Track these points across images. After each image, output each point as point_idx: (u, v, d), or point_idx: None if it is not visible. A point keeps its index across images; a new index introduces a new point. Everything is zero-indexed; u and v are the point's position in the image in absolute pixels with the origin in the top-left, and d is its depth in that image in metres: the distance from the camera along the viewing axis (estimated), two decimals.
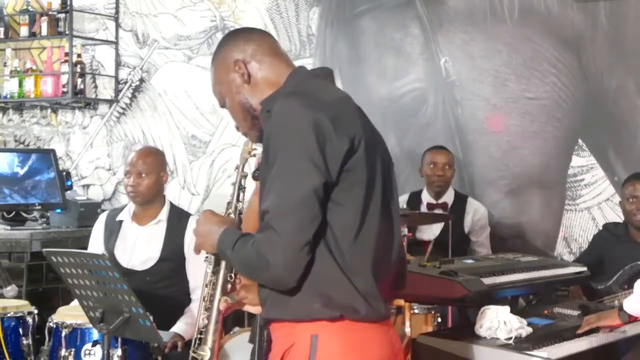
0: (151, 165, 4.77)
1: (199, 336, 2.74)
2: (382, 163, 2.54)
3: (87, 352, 4.23)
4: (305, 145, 2.36)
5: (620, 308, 3.79)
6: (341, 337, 2.42)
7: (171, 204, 4.93)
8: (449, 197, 5.87)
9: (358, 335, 2.44)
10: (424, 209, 5.84)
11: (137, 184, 4.73)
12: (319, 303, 2.40)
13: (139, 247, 4.77)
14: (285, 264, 2.34)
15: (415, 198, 5.93)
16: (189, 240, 4.63)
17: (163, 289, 4.62)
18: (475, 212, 5.85)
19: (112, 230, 4.83)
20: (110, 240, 4.80)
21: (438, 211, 5.81)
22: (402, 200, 5.93)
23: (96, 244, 4.86)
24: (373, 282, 2.44)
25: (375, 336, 2.48)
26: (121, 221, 4.86)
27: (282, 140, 2.40)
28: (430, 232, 5.85)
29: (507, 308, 3.80)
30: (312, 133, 2.36)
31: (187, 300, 4.70)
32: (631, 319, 3.78)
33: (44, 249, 4.14)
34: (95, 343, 4.18)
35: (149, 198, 4.78)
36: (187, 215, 4.89)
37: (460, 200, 5.87)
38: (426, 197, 5.90)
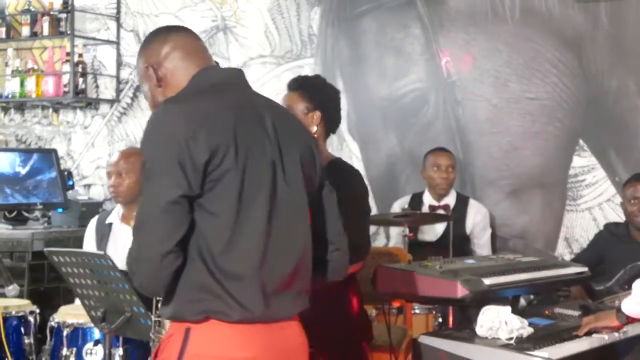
0: (132, 165, 4.76)
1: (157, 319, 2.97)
2: (274, 166, 2.59)
3: (89, 351, 4.25)
4: (164, 158, 2.44)
5: (619, 309, 3.79)
6: (213, 332, 2.50)
7: None
8: (450, 199, 5.88)
9: (230, 334, 2.50)
10: (425, 210, 5.85)
11: (117, 184, 4.76)
12: (188, 308, 2.49)
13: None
14: (145, 273, 2.47)
15: (417, 200, 5.94)
16: None
17: None
18: (477, 214, 5.86)
19: (103, 234, 4.84)
20: (102, 244, 4.80)
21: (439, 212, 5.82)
22: (404, 201, 5.94)
23: (89, 248, 4.86)
24: (254, 286, 2.50)
25: (250, 337, 2.53)
26: (111, 224, 4.87)
27: (146, 151, 2.51)
28: (432, 233, 5.86)
29: (508, 308, 3.80)
30: (172, 145, 2.43)
31: None
32: (629, 320, 3.78)
33: (45, 249, 4.15)
34: (96, 342, 4.20)
35: (131, 198, 4.78)
36: None
37: (462, 202, 5.88)
38: (428, 199, 5.90)
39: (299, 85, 3.84)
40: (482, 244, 5.86)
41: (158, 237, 2.42)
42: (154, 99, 2.75)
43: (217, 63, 2.85)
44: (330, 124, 3.81)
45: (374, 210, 6.39)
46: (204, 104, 2.54)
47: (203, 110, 2.51)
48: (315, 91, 3.81)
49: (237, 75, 2.75)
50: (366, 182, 6.35)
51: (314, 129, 3.72)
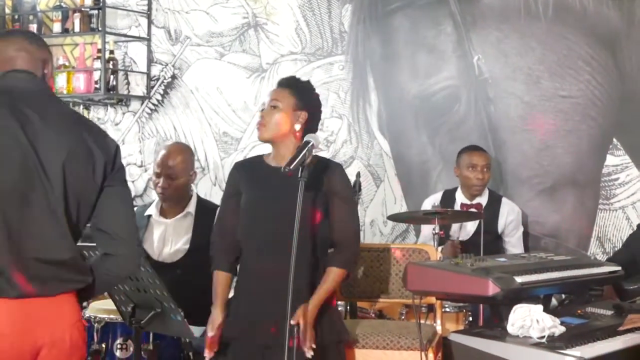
0: (181, 167, 4.81)
1: None
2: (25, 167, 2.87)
3: (119, 346, 4.25)
4: None
5: None
6: None
7: (198, 196, 4.96)
8: (483, 198, 5.83)
9: None
10: (457, 208, 5.80)
11: (167, 186, 4.78)
12: None
13: (168, 240, 4.80)
14: None
15: (449, 196, 5.90)
16: None
17: (194, 281, 4.62)
18: (510, 213, 5.81)
19: (141, 225, 4.85)
20: (139, 235, 4.81)
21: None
22: (436, 198, 5.91)
23: None
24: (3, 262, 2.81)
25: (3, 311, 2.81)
26: (149, 216, 4.89)
27: None
28: (464, 232, 5.83)
29: (540, 307, 3.77)
30: None
31: None
32: None
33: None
34: (127, 338, 4.20)
35: (178, 198, 4.82)
36: (214, 206, 4.90)
37: (495, 201, 5.83)
38: (460, 197, 5.86)
39: (292, 84, 3.96)
40: (514, 243, 5.82)
41: None
42: None
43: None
44: (310, 128, 3.89)
45: (403, 208, 6.37)
46: None
47: None
48: (307, 94, 3.96)
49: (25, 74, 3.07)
50: (396, 179, 6.41)
51: (298, 127, 3.84)
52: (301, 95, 3.88)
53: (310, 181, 3.61)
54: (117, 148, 3.11)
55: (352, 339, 4.36)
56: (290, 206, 3.49)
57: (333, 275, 3.83)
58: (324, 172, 3.84)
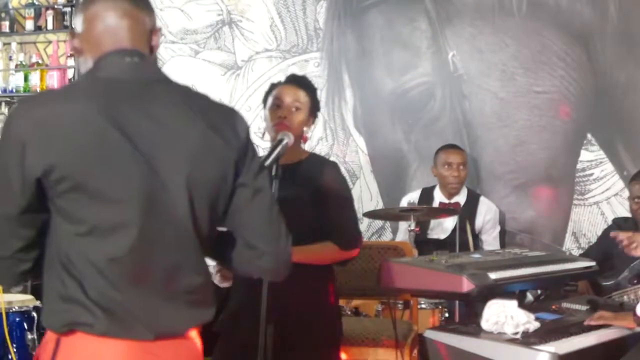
0: None
1: None
2: (145, 170, 2.24)
3: None
4: (3, 167, 2.22)
5: (634, 313, 3.78)
6: (80, 344, 2.24)
7: None
8: (461, 197, 5.84)
9: (94, 349, 2.24)
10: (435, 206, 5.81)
11: None
12: (51, 316, 2.29)
13: None
14: None
15: (427, 195, 5.90)
16: None
17: None
18: (487, 212, 5.82)
19: None
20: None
21: None
22: (414, 197, 5.90)
23: None
24: (119, 297, 2.23)
25: (118, 355, 2.24)
26: None
27: None
28: (441, 230, 5.83)
29: (514, 302, 3.78)
30: (10, 152, 2.21)
31: None
32: None
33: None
34: None
35: None
36: None
37: (473, 200, 5.84)
38: (439, 196, 5.87)
39: (308, 86, 3.81)
40: (490, 241, 5.83)
41: None
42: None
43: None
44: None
45: (379, 205, 6.37)
46: (59, 107, 2.23)
47: (53, 114, 2.21)
48: (317, 98, 3.82)
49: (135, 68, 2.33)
50: (372, 176, 6.40)
51: (307, 130, 3.73)
52: (314, 100, 3.79)
53: (305, 178, 3.56)
54: (248, 131, 2.44)
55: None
56: (282, 204, 3.40)
57: (326, 245, 3.61)
58: (320, 169, 3.73)
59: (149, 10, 2.40)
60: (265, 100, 3.81)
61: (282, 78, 3.92)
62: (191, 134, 2.31)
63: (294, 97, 3.69)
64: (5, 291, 3.99)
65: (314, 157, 3.81)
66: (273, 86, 3.81)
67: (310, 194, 3.67)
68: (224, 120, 2.40)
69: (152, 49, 2.41)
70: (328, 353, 3.69)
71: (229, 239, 2.44)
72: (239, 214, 2.41)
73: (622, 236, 4.03)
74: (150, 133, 2.25)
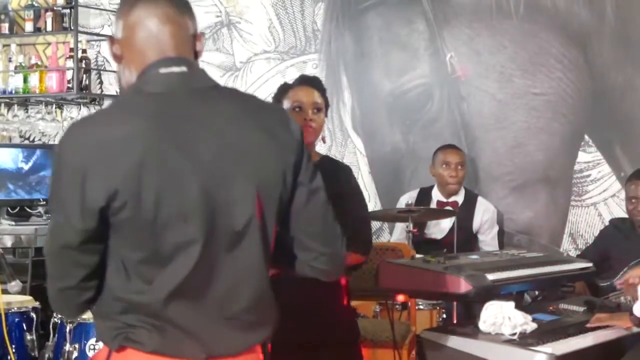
0: None
1: None
2: (205, 194, 2.16)
3: (92, 347, 4.24)
4: (64, 196, 2.15)
5: (631, 312, 3.80)
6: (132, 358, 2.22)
7: None
8: (459, 197, 5.85)
9: None
10: (433, 207, 5.82)
11: None
12: (104, 332, 2.26)
13: None
14: (51, 300, 2.29)
15: (425, 194, 5.91)
16: None
17: None
18: (485, 212, 5.83)
19: None
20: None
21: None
22: (411, 196, 5.92)
23: None
24: (173, 316, 2.18)
25: None
26: None
27: (50, 178, 2.23)
28: (439, 230, 5.84)
29: (511, 303, 3.79)
30: (68, 179, 2.13)
31: None
32: None
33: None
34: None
35: None
36: None
37: (471, 200, 5.85)
38: (437, 195, 5.88)
39: (322, 88, 3.79)
40: (488, 242, 5.84)
41: (55, 274, 2.24)
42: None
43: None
44: None
45: (377, 206, 6.38)
46: (114, 129, 2.14)
47: (108, 138, 2.13)
48: (327, 97, 3.79)
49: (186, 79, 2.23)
50: (370, 177, 6.41)
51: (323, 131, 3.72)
52: (327, 100, 3.75)
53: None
54: (300, 131, 2.34)
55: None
56: None
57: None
58: (335, 172, 3.66)
59: (191, 14, 2.31)
60: (278, 102, 3.76)
61: (280, 79, 3.90)
62: (250, 141, 2.21)
63: (313, 99, 3.65)
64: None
65: (327, 160, 3.79)
66: (286, 87, 3.76)
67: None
68: (277, 121, 2.30)
69: (197, 55, 2.31)
70: (355, 349, 3.67)
71: (283, 240, 2.36)
72: (295, 215, 2.33)
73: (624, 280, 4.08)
74: (209, 146, 2.16)
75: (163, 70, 2.20)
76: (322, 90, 3.75)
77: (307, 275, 2.45)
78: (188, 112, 2.17)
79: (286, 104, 3.66)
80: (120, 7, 2.31)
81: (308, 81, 3.78)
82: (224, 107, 2.23)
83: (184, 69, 2.21)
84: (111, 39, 2.32)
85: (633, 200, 5.13)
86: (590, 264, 4.58)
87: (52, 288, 2.26)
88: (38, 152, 6.43)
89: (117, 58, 2.32)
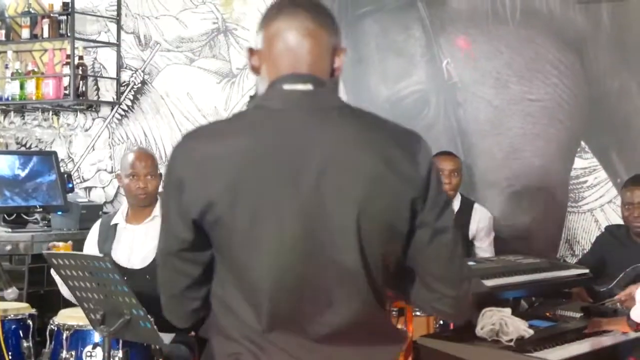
0: (154, 167, 4.85)
1: None
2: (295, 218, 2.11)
3: (89, 354, 4.24)
4: (167, 203, 2.22)
5: (628, 317, 3.80)
6: None
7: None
8: (455, 203, 5.83)
9: None
10: None
11: (146, 186, 4.78)
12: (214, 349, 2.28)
13: (137, 245, 4.79)
14: (163, 306, 2.34)
15: None
16: None
17: None
18: (482, 219, 5.82)
19: (107, 235, 4.85)
20: (106, 244, 4.81)
21: None
22: None
23: (90, 251, 4.86)
24: (268, 335, 2.17)
25: None
26: (116, 224, 4.88)
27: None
28: None
29: (508, 310, 3.80)
30: (171, 189, 2.19)
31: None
32: (638, 327, 3.80)
33: (44, 251, 4.13)
34: (95, 345, 4.18)
35: (153, 199, 4.83)
36: None
37: (467, 207, 5.84)
38: None
39: None
40: (485, 248, 5.83)
41: (163, 281, 2.31)
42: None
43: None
44: None
45: None
46: (220, 143, 2.14)
47: (214, 151, 2.13)
48: None
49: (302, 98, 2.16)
50: None
51: None
52: None
53: None
54: (431, 165, 2.18)
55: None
56: None
57: None
58: None
59: (333, 28, 2.26)
60: None
61: None
62: (362, 170, 2.11)
63: None
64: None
65: None
66: None
67: None
68: (404, 152, 2.16)
69: (334, 71, 2.24)
70: None
71: (408, 274, 2.27)
72: (417, 255, 2.22)
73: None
74: (318, 171, 2.08)
75: (287, 87, 2.15)
76: None
77: (431, 314, 2.36)
78: (302, 133, 2.11)
79: None
80: (262, 18, 2.29)
81: None
82: (340, 131, 2.14)
83: (309, 87, 2.15)
84: (250, 50, 2.29)
85: (628, 207, 5.13)
86: (586, 270, 4.59)
87: (162, 295, 2.32)
88: (35, 158, 6.43)
89: (255, 69, 2.28)
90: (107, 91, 7.47)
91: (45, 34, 7.32)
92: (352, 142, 2.13)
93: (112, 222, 4.89)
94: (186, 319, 2.34)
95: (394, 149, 2.16)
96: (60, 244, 4.64)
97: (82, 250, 4.90)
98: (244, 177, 2.09)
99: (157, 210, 4.84)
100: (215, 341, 2.27)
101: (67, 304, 4.83)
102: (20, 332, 4.60)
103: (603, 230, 5.54)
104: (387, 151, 2.14)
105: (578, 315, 4.29)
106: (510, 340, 3.68)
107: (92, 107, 7.54)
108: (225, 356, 2.22)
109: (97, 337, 4.15)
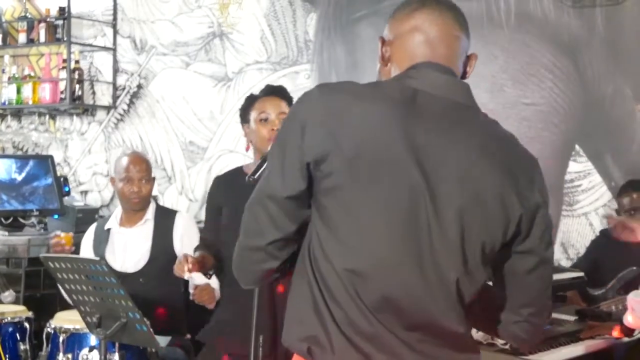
0: (148, 171, 4.86)
1: None
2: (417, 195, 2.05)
3: (85, 357, 4.25)
4: (284, 144, 2.12)
5: (621, 322, 3.82)
6: None
7: (156, 203, 5.00)
8: None
9: None
10: None
11: (139, 190, 4.79)
12: (290, 331, 2.16)
13: (130, 248, 4.81)
14: (234, 261, 2.24)
15: None
16: (179, 236, 4.70)
17: (158, 289, 4.63)
18: None
19: (102, 239, 4.88)
20: (100, 248, 4.83)
21: None
22: None
23: (86, 254, 4.87)
24: (358, 313, 2.06)
25: None
26: (109, 229, 4.90)
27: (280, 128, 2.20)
28: None
29: None
30: (291, 131, 2.11)
31: (182, 303, 4.73)
32: (632, 332, 3.81)
33: (41, 255, 4.15)
34: (92, 348, 4.20)
35: (146, 203, 4.85)
36: (173, 212, 4.96)
37: None
38: None
39: (288, 97, 3.86)
40: None
41: (248, 229, 2.18)
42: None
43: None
44: None
45: None
46: (355, 102, 2.11)
47: (345, 108, 2.09)
48: None
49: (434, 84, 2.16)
50: None
51: None
52: None
53: None
54: (544, 192, 2.21)
55: None
56: None
57: None
58: None
59: (468, 33, 2.26)
60: (246, 114, 3.82)
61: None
62: (481, 176, 2.10)
63: (279, 109, 3.74)
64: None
65: None
66: (252, 99, 3.82)
67: None
68: (523, 172, 2.18)
69: (465, 74, 2.26)
70: None
71: (484, 289, 2.19)
72: (515, 278, 2.20)
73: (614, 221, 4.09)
74: (439, 159, 2.06)
75: (431, 72, 2.15)
76: (289, 100, 3.79)
77: (498, 335, 2.34)
78: (435, 118, 2.10)
79: (253, 115, 3.74)
80: (400, 10, 2.27)
81: (274, 91, 3.84)
82: (470, 130, 2.15)
83: (451, 78, 2.17)
84: (382, 40, 2.31)
85: (628, 213, 5.14)
86: (581, 274, 4.60)
87: (241, 246, 2.20)
88: (31, 162, 6.43)
89: (385, 60, 2.31)
90: (103, 95, 7.49)
91: (42, 39, 7.34)
92: (479, 144, 2.14)
93: (106, 227, 4.91)
94: (255, 279, 2.24)
95: (516, 165, 2.18)
96: (63, 233, 4.67)
97: (79, 253, 4.92)
98: (368, 142, 2.04)
99: (149, 213, 4.87)
100: (297, 316, 2.14)
101: (65, 307, 4.84)
102: (17, 335, 4.61)
103: (598, 233, 5.55)
104: (509, 165, 2.16)
105: (572, 318, 4.30)
106: (505, 344, 3.68)
107: (88, 111, 7.55)
108: (301, 336, 2.11)
109: (93, 340, 4.17)
